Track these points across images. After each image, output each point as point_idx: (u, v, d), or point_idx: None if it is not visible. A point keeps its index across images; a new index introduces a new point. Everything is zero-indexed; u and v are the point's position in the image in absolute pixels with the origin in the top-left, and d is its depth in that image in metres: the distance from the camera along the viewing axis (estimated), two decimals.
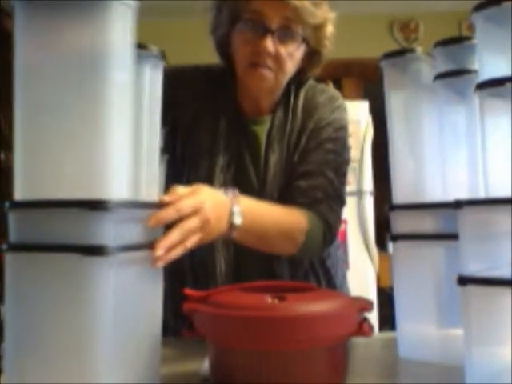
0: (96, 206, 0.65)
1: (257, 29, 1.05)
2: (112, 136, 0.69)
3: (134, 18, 0.71)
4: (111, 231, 0.67)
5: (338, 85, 3.19)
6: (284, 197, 1.11)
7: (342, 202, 1.17)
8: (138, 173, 0.77)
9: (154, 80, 0.82)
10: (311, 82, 1.22)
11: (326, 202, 1.11)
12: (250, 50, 1.07)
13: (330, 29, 1.13)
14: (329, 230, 1.11)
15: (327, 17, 1.11)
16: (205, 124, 1.15)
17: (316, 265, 1.20)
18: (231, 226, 0.92)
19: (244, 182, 1.13)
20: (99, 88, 0.68)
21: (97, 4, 0.67)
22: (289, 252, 1.08)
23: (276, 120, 1.15)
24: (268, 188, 1.12)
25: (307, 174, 1.12)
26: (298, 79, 1.17)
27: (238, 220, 0.93)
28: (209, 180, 1.09)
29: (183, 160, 1.16)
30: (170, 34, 3.28)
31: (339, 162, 1.15)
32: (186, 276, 1.17)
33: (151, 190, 0.80)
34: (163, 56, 0.81)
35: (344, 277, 1.30)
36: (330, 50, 1.16)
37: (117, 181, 0.70)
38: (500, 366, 0.73)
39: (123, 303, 0.70)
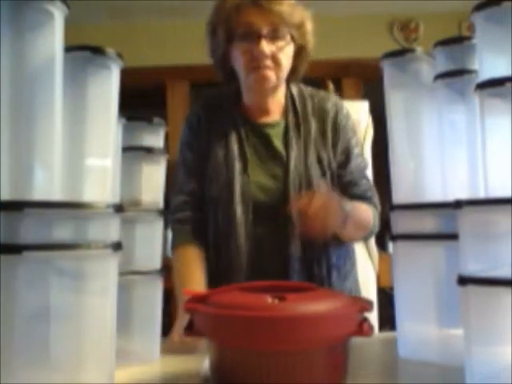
0: (8, 206, 0.68)
1: (251, 37, 1.20)
2: (35, 138, 0.72)
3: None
4: (27, 230, 0.68)
5: (338, 85, 3.18)
6: (306, 185, 1.24)
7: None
8: (83, 172, 0.80)
9: (107, 81, 0.83)
10: (310, 89, 1.36)
11: (373, 195, 1.33)
12: (249, 57, 1.21)
13: (309, 25, 1.28)
14: (379, 213, 1.32)
15: (304, 15, 1.26)
16: (217, 140, 1.28)
17: (332, 262, 1.28)
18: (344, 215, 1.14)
19: (267, 177, 1.26)
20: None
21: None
22: (361, 237, 1.35)
23: (290, 124, 1.29)
24: (291, 178, 1.24)
25: (353, 182, 1.31)
26: (293, 77, 1.31)
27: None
28: (230, 185, 1.24)
29: (207, 175, 1.28)
30: (170, 33, 3.28)
31: (363, 160, 1.36)
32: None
33: (100, 186, 0.82)
34: (120, 58, 0.83)
35: (356, 281, 1.35)
36: (314, 44, 1.30)
37: (43, 181, 0.72)
38: (500, 366, 0.73)
39: (50, 300, 0.71)
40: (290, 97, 1.32)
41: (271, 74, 1.22)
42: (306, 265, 1.22)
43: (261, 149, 1.28)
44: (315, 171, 1.25)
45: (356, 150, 1.32)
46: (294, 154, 1.25)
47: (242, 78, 1.26)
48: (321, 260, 1.24)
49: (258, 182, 1.25)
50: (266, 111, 1.30)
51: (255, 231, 1.22)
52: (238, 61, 1.23)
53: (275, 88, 1.27)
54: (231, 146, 1.27)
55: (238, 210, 1.22)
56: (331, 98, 1.34)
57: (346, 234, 1.23)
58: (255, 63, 1.21)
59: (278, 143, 1.28)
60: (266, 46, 1.19)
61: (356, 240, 1.34)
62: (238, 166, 1.25)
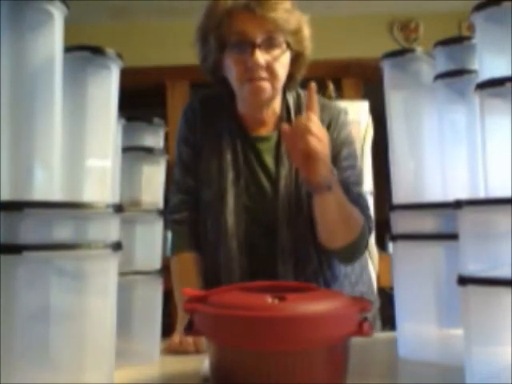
0: (8, 206, 0.68)
1: (244, 47, 1.14)
2: (35, 138, 0.72)
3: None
4: (27, 230, 0.68)
5: (338, 85, 3.18)
6: (296, 204, 1.19)
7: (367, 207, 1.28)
8: (83, 172, 0.80)
9: (107, 81, 0.83)
10: None
11: (364, 210, 1.22)
12: (242, 68, 1.15)
13: (306, 30, 1.22)
14: (369, 232, 1.22)
15: (301, 20, 1.20)
16: (211, 145, 1.26)
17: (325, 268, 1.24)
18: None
19: (257, 192, 1.23)
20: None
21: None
22: (348, 241, 1.15)
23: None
24: (280, 196, 1.20)
25: None
26: (289, 84, 1.26)
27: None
28: (222, 194, 1.21)
29: (200, 178, 1.26)
30: (170, 33, 3.28)
31: (353, 174, 1.25)
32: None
33: (100, 186, 0.82)
34: (119, 58, 0.83)
35: (367, 284, 1.36)
36: (312, 50, 1.24)
37: (43, 181, 0.72)
38: (500, 366, 0.73)
39: (50, 300, 0.71)
40: (285, 107, 1.26)
41: (267, 86, 1.16)
42: (300, 279, 1.17)
43: (252, 162, 1.25)
44: (305, 189, 1.18)
45: (345, 163, 1.24)
46: (284, 172, 1.21)
47: (236, 89, 1.21)
48: (317, 273, 1.22)
49: (249, 194, 1.22)
50: (260, 122, 1.26)
51: (246, 242, 1.20)
52: (231, 71, 1.18)
53: (271, 99, 1.22)
54: (225, 154, 1.23)
55: (230, 220, 1.19)
56: (328, 108, 1.27)
57: (331, 216, 1.12)
58: (249, 74, 1.15)
59: (269, 159, 1.24)
60: (261, 56, 1.13)
61: (343, 242, 1.16)
62: (230, 176, 1.21)
